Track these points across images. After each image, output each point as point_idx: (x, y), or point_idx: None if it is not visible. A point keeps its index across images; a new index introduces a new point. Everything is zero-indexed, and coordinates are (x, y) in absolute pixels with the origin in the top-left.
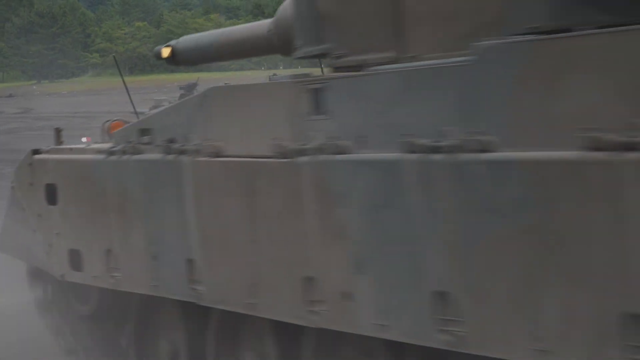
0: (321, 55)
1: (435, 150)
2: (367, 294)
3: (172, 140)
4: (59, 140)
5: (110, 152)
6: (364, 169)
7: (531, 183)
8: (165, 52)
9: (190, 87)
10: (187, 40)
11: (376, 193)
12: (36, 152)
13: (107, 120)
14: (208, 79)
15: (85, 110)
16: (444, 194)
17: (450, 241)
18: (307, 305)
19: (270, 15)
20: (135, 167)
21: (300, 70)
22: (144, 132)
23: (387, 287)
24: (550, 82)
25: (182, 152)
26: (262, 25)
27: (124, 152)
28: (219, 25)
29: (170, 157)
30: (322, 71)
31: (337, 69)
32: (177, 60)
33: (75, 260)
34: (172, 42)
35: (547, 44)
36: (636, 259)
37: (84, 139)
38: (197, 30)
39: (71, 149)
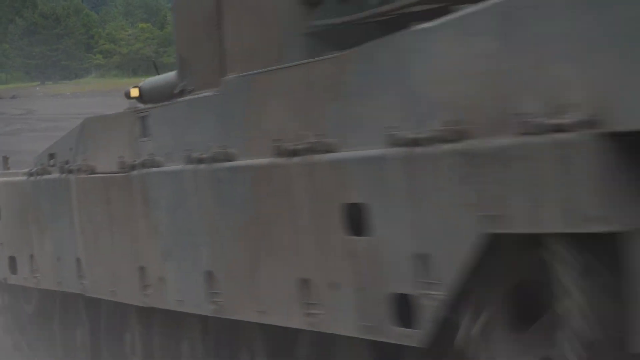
0: (183, 92)
1: (201, 161)
2: (172, 277)
3: (67, 162)
4: (6, 167)
5: (29, 174)
6: (167, 179)
7: (249, 183)
8: (134, 92)
9: None
10: (150, 81)
11: (173, 197)
12: None
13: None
14: None
15: (89, 112)
16: (206, 194)
17: (211, 232)
18: (142, 290)
19: None
20: (44, 185)
21: None
22: (51, 156)
23: (181, 271)
24: (260, 105)
25: (70, 171)
26: None
27: (37, 174)
28: None
29: (63, 175)
30: None
31: None
32: (144, 100)
33: (12, 265)
34: (140, 84)
35: (258, 76)
36: (306, 237)
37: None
38: None
39: (13, 173)
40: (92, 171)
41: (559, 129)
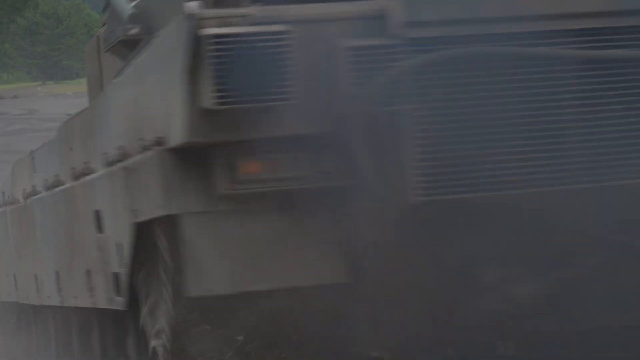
0: None
1: (49, 188)
2: (46, 279)
3: (7, 197)
4: None
5: None
6: (39, 204)
7: (64, 202)
8: None
9: None
10: None
11: (41, 217)
12: None
13: None
14: None
15: None
16: (52, 213)
17: (56, 241)
18: (36, 292)
19: None
20: None
21: None
22: (3, 193)
23: (48, 274)
24: (71, 141)
25: (5, 204)
26: None
27: None
28: None
29: (3, 208)
30: None
31: None
32: None
33: None
34: None
35: (70, 121)
36: (86, 238)
37: None
38: None
39: None
40: (17, 202)
41: (148, 148)
